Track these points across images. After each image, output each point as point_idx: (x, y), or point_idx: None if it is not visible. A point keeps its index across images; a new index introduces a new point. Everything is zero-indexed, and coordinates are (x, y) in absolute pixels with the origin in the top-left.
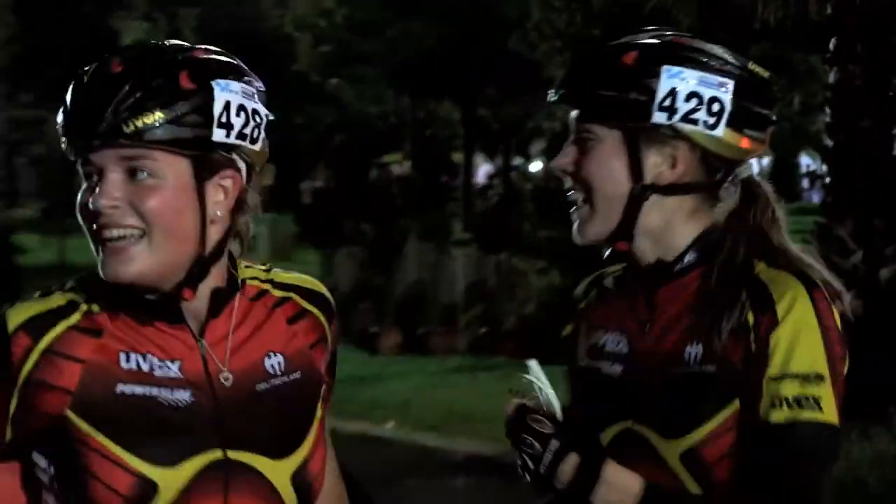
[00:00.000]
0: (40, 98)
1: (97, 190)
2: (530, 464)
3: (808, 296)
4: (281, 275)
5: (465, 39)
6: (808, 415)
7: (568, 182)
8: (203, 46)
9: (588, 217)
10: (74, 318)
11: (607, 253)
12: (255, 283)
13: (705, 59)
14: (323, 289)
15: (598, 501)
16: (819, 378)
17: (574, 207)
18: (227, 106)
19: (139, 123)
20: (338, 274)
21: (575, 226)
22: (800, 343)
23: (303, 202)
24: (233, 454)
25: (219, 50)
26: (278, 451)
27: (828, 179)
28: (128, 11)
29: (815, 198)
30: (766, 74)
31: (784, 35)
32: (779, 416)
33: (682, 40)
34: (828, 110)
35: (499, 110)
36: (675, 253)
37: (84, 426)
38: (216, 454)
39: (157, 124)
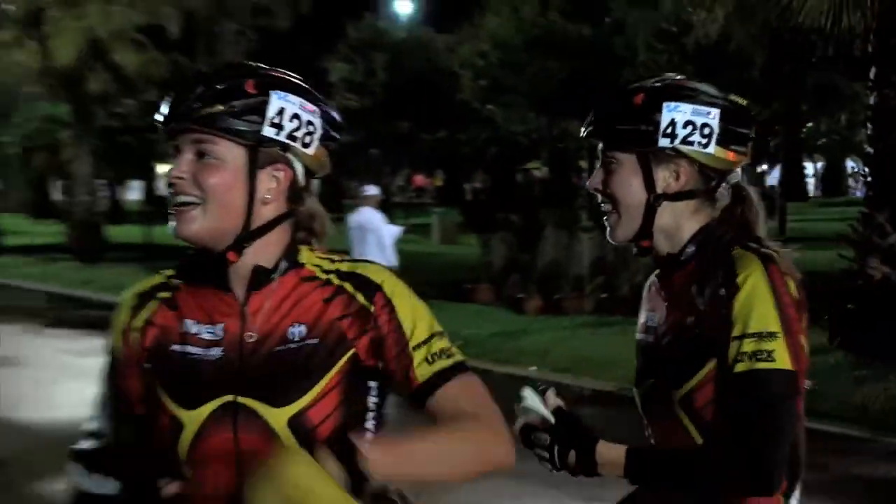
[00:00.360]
0: None
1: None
2: (548, 465)
3: (762, 268)
4: (341, 264)
5: (589, 74)
6: (762, 365)
7: (599, 197)
8: (282, 70)
9: (616, 223)
10: (164, 294)
11: (634, 250)
12: (314, 268)
13: (696, 95)
14: (373, 275)
15: (602, 474)
16: (772, 335)
17: (605, 216)
18: (280, 111)
19: (205, 112)
20: (493, 254)
21: (608, 230)
22: (755, 307)
23: (466, 198)
24: (241, 399)
25: (295, 76)
26: (276, 400)
27: (869, 178)
28: (332, 55)
29: (860, 193)
30: (744, 103)
31: (835, 67)
32: (741, 367)
33: (679, 82)
34: (868, 125)
35: None
36: (682, 245)
37: (150, 377)
38: (228, 398)
39: (220, 114)
